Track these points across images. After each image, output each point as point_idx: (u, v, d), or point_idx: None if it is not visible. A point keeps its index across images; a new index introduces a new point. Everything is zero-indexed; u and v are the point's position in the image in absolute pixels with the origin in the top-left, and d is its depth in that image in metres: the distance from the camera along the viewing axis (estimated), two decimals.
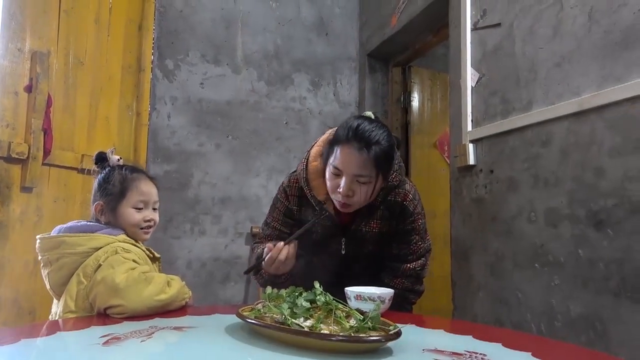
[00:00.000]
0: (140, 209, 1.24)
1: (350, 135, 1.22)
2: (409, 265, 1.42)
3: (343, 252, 1.40)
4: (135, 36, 2.54)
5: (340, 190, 1.24)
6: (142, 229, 1.24)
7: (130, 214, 1.22)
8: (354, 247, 1.40)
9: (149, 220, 1.25)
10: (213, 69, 2.92)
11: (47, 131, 1.87)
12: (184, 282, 1.19)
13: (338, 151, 1.24)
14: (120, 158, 1.31)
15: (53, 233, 1.16)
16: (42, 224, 1.89)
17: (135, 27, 2.55)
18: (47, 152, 1.87)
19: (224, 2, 2.98)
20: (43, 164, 1.87)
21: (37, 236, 1.16)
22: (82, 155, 2.07)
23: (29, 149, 1.80)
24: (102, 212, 1.23)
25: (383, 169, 1.25)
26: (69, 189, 2.04)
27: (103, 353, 0.77)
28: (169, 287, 1.10)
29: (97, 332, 0.88)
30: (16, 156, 1.77)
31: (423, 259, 1.44)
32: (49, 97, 1.89)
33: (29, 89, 1.84)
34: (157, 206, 1.29)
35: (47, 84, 1.88)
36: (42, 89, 1.85)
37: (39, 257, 1.15)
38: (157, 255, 1.29)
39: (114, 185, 1.23)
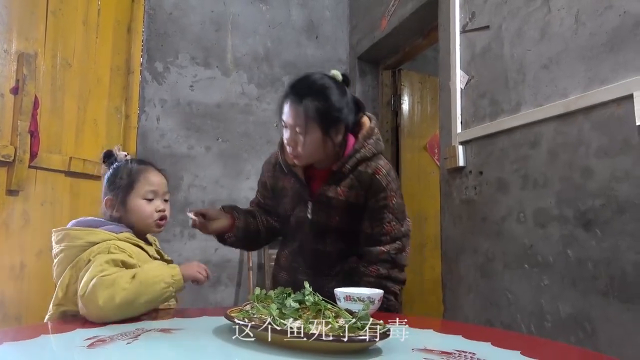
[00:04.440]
0: (150, 199, 1.21)
1: (289, 89, 1.33)
2: (382, 248, 1.37)
3: (309, 215, 1.40)
4: (124, 38, 2.53)
5: (285, 141, 1.35)
6: (155, 221, 1.22)
7: (140, 205, 1.20)
8: (320, 214, 1.40)
9: (160, 211, 1.22)
10: (203, 72, 2.91)
11: (34, 134, 1.84)
12: (165, 265, 1.11)
13: (283, 105, 1.33)
14: (127, 154, 1.28)
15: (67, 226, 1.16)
16: (28, 228, 1.86)
17: (124, 29, 2.53)
18: (33, 155, 1.85)
19: (213, 5, 2.97)
20: (30, 167, 1.85)
21: (52, 230, 1.15)
22: (70, 158, 2.05)
23: (15, 151, 1.78)
24: (112, 207, 1.20)
25: (320, 121, 1.29)
26: (56, 192, 2.01)
27: (88, 356, 0.75)
28: (133, 278, 1.01)
29: (82, 334, 0.87)
30: (2, 159, 1.75)
31: (399, 242, 1.39)
32: (36, 99, 1.86)
33: (15, 90, 1.82)
34: (167, 197, 1.26)
35: (34, 85, 1.85)
36: (28, 91, 1.82)
37: (52, 250, 1.15)
38: (167, 257, 1.26)
39: (121, 178, 1.20)
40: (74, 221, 1.17)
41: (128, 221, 1.20)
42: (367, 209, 1.38)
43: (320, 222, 1.40)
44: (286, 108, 1.32)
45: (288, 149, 1.35)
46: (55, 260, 1.13)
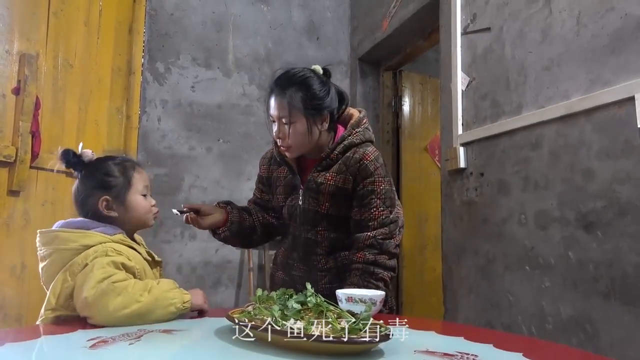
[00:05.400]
0: (144, 195, 1.21)
1: (272, 84, 1.39)
2: (369, 233, 1.36)
3: (300, 202, 1.42)
4: (125, 39, 2.53)
5: (274, 134, 1.40)
6: (153, 214, 1.23)
7: (140, 201, 1.19)
8: (311, 201, 1.41)
9: (154, 205, 1.24)
10: (204, 73, 2.91)
11: (35, 134, 1.85)
12: (177, 287, 1.09)
13: (269, 101, 1.39)
14: (93, 151, 1.22)
15: (53, 227, 1.12)
16: (29, 228, 1.86)
17: (126, 30, 2.53)
18: (35, 156, 1.85)
19: (215, 6, 2.98)
20: (31, 167, 1.85)
21: (38, 230, 1.12)
22: None
23: (17, 152, 1.78)
24: (109, 207, 1.16)
25: (304, 109, 1.34)
26: (57, 193, 2.01)
27: (90, 356, 0.75)
28: (148, 293, 1.01)
29: (84, 335, 0.87)
30: (3, 159, 1.75)
31: (386, 228, 1.37)
32: (38, 99, 1.87)
33: (17, 91, 1.82)
34: (150, 192, 1.27)
35: (36, 86, 1.86)
36: (30, 92, 1.83)
37: (37, 252, 1.11)
38: (157, 259, 1.24)
39: (115, 177, 1.18)
40: (61, 222, 1.13)
41: (124, 220, 1.18)
42: (356, 194, 1.39)
43: (311, 209, 1.41)
44: (271, 102, 1.38)
45: (278, 141, 1.40)
46: (43, 264, 1.09)
